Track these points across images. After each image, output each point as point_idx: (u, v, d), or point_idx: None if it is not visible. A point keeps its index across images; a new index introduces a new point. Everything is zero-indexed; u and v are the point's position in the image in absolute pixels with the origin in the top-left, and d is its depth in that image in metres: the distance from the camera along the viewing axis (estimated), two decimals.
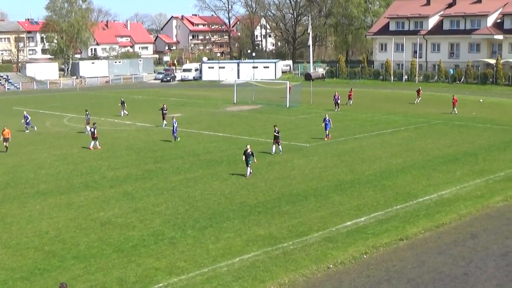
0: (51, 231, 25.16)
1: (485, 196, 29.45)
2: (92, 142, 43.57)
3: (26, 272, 20.80)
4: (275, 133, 40.14)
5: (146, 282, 19.75)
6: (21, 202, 29.76)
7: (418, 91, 70.65)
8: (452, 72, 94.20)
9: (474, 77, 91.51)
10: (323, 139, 45.24)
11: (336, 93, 64.76)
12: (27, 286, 19.62)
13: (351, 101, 68.32)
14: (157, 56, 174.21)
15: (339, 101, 63.49)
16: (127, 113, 62.57)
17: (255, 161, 34.41)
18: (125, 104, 63.28)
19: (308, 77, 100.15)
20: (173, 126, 45.92)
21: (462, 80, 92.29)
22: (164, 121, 53.59)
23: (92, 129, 43.93)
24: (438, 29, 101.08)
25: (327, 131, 45.44)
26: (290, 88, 76.97)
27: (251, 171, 33.97)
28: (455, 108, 59.78)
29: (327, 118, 45.48)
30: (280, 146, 40.35)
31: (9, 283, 19.91)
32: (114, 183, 33.22)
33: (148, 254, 22.26)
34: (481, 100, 70.26)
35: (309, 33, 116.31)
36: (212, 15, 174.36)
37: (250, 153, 33.66)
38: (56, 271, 20.81)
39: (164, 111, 54.38)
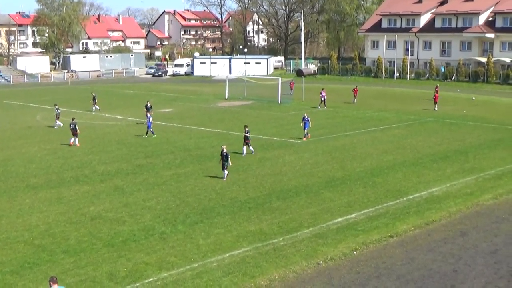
0: (41, 225, 25.08)
1: (475, 194, 29.57)
2: (72, 139, 42.42)
3: (15, 266, 20.73)
4: (245, 134, 38.73)
5: (136, 277, 19.73)
6: (11, 196, 29.64)
7: (436, 89, 70.75)
8: (443, 70, 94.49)
9: (465, 75, 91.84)
10: (303, 138, 44.14)
11: (323, 90, 64.74)
12: (16, 280, 19.56)
13: (356, 99, 67.26)
14: (148, 51, 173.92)
15: (324, 98, 63.24)
16: (98, 107, 61.52)
17: (230, 163, 32.50)
18: (96, 99, 62.06)
19: (300, 73, 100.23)
20: (148, 121, 45.98)
21: (453, 78, 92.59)
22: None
23: (72, 125, 42.53)
24: (430, 27, 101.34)
25: (305, 130, 44.12)
26: (293, 83, 76.80)
27: (227, 173, 32.51)
28: (436, 105, 60.74)
29: (306, 117, 44.19)
30: (251, 147, 38.87)
31: None
32: (105, 178, 33.13)
33: (138, 249, 22.23)
34: (473, 98, 70.51)
35: (301, 30, 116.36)
36: (205, 10, 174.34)
37: (225, 154, 32.18)
38: (46, 265, 20.75)
39: (149, 108, 52.21)
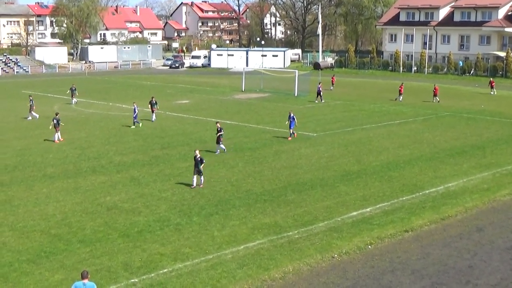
0: (58, 214, 25.29)
1: (491, 190, 29.38)
2: (56, 135, 40.91)
3: (32, 254, 20.93)
4: (218, 131, 36.68)
5: (151, 267, 19.84)
6: (28, 185, 29.90)
7: (491, 83, 70.08)
8: (461, 64, 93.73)
9: (484, 69, 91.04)
10: (288, 138, 41.51)
11: (320, 83, 63.75)
12: (33, 269, 19.74)
13: (401, 97, 63.84)
14: (166, 42, 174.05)
15: (321, 92, 62.03)
16: (76, 100, 60.41)
17: (200, 168, 29.19)
18: (76, 92, 60.99)
19: (317, 66, 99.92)
20: (134, 111, 45.80)
21: (471, 72, 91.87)
22: (153, 114, 49.43)
23: (55, 120, 40.72)
24: (448, 21, 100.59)
25: (291, 130, 41.49)
26: (334, 78, 74.94)
27: (202, 180, 29.42)
28: (436, 97, 61.52)
29: (292, 115, 41.39)
30: (222, 145, 36.91)
31: (15, 265, 20.04)
32: (121, 168, 33.30)
33: (153, 240, 22.35)
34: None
35: (318, 22, 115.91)
36: (222, 2, 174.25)
37: (199, 159, 29.11)
38: (62, 254, 20.93)
39: (154, 103, 49.62)
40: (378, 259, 20.85)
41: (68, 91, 62.15)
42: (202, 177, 29.44)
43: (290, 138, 41.49)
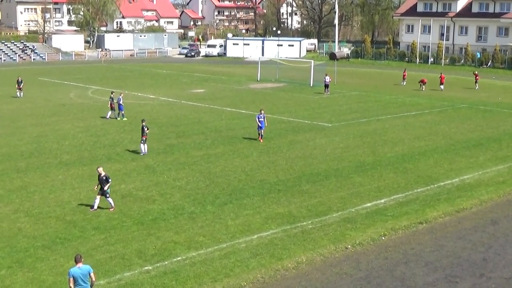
0: (73, 201, 25.44)
1: (507, 182, 29.18)
2: None
3: (47, 240, 21.09)
4: (143, 129, 33.42)
5: (165, 255, 19.93)
6: (44, 171, 30.09)
7: (475, 76, 68.17)
8: (479, 56, 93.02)
9: (501, 61, 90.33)
10: (259, 140, 37.66)
11: (326, 75, 62.91)
12: (48, 254, 19.91)
13: (443, 86, 64.20)
14: (182, 31, 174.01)
15: (329, 84, 60.76)
16: (21, 94, 56.14)
17: (105, 188, 24.31)
18: (22, 84, 56.41)
19: (332, 56, 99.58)
20: (119, 103, 44.59)
21: (489, 64, 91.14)
22: (111, 112, 45.33)
23: None
24: (466, 12, 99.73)
25: (262, 131, 37.45)
26: (405, 72, 72.29)
27: (112, 203, 24.54)
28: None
29: (262, 114, 37.42)
30: (145, 145, 33.80)
31: (30, 250, 20.21)
32: (136, 156, 33.40)
33: (167, 228, 22.44)
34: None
35: (335, 12, 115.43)
36: None
37: (103, 178, 24.25)
38: (76, 241, 21.08)
39: (111, 99, 45.34)
40: (391, 250, 20.81)
41: (16, 85, 56.81)
42: (110, 199, 24.48)
43: (261, 140, 37.50)
